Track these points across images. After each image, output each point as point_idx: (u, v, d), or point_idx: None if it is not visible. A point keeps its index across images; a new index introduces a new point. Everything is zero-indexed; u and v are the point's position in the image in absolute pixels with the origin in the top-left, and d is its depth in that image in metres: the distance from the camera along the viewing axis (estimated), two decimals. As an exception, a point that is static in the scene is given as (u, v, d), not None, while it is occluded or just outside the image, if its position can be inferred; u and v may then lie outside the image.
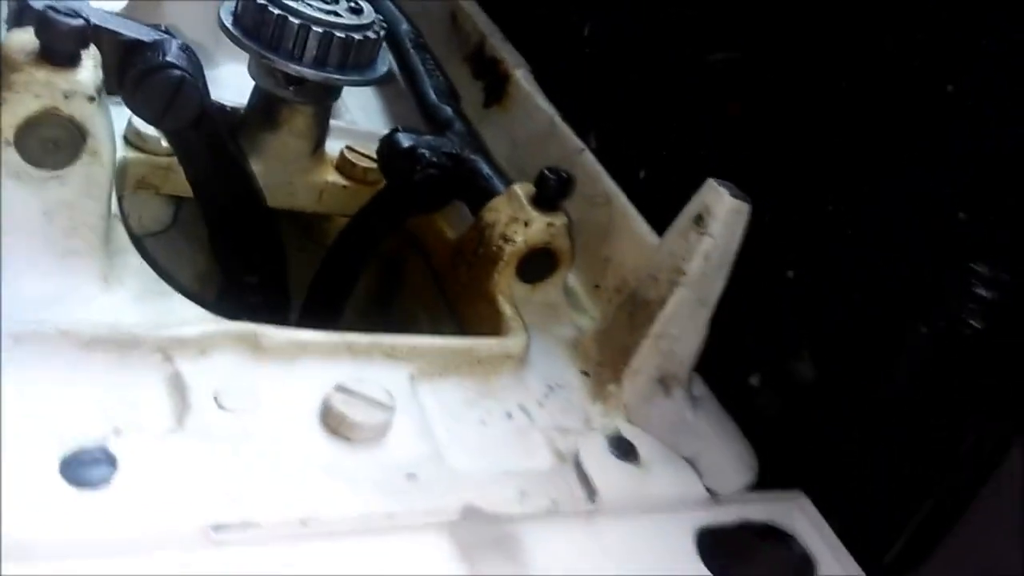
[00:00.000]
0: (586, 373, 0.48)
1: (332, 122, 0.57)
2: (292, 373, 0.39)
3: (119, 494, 0.31)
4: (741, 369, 0.50)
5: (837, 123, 0.47)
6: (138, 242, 0.43)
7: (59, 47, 0.33)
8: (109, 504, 0.30)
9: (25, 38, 0.34)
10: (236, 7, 0.48)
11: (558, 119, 0.60)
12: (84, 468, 0.31)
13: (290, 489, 0.34)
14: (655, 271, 0.45)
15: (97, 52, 0.36)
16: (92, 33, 0.37)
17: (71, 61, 0.34)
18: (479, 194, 0.52)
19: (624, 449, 0.43)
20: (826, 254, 0.47)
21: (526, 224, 0.48)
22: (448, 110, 0.59)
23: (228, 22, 0.47)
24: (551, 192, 0.48)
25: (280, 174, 0.51)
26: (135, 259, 0.40)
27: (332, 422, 0.37)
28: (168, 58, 0.39)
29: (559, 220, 0.49)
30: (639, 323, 0.46)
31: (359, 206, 0.54)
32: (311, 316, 0.54)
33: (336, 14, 0.48)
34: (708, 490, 0.43)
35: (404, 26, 0.67)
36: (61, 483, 0.30)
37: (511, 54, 0.66)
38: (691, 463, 0.44)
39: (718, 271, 0.44)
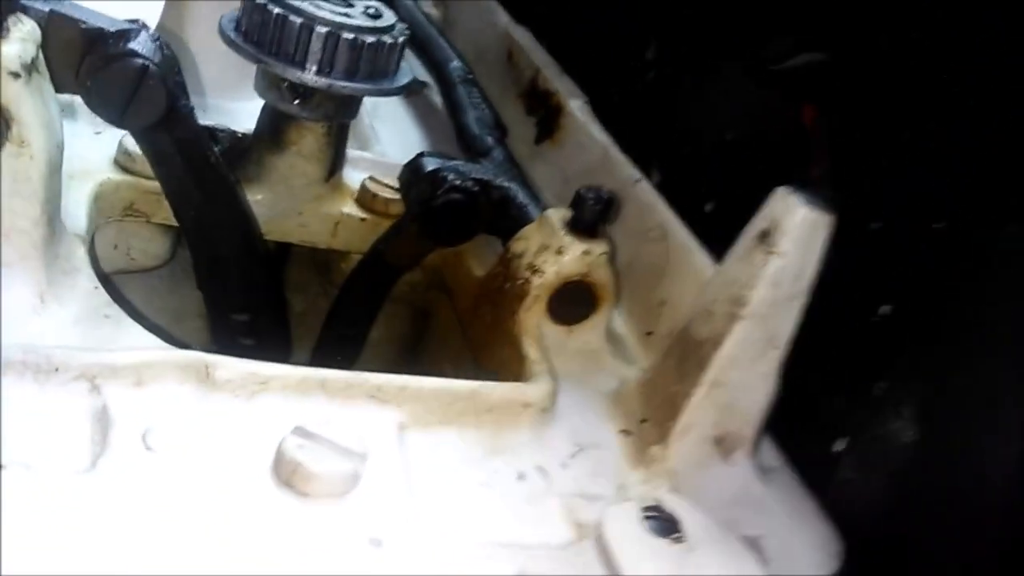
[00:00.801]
0: (627, 432, 0.39)
1: (359, 153, 0.52)
2: (248, 413, 0.32)
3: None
4: (824, 432, 0.40)
5: (937, 125, 0.38)
6: (105, 275, 0.37)
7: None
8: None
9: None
10: (240, 12, 0.43)
11: (613, 149, 0.53)
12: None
13: (211, 552, 0.27)
14: (710, 303, 0.37)
15: (34, 29, 0.31)
16: (49, 19, 0.33)
17: None
18: (511, 225, 0.45)
19: (663, 523, 0.34)
20: (933, 281, 0.37)
21: (559, 252, 0.41)
22: (489, 140, 0.53)
23: (229, 28, 0.43)
24: (589, 215, 0.41)
25: (288, 201, 0.46)
26: (87, 281, 0.35)
27: (284, 472, 0.30)
28: (131, 46, 0.34)
29: (599, 248, 0.41)
30: (690, 369, 0.37)
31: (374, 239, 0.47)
32: (322, 361, 0.47)
33: (347, 16, 0.42)
34: (774, 582, 0.34)
35: (455, 63, 0.61)
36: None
37: (566, 85, 0.60)
38: (752, 545, 0.35)
39: (790, 300, 0.35)
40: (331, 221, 0.47)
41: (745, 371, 0.36)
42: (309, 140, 0.45)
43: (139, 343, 0.33)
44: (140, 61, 0.34)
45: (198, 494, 0.28)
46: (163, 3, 0.51)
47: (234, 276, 0.42)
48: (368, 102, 0.50)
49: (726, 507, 0.36)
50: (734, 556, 0.33)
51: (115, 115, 0.35)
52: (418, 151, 0.59)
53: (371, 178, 0.49)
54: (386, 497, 0.31)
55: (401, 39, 0.43)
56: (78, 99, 0.35)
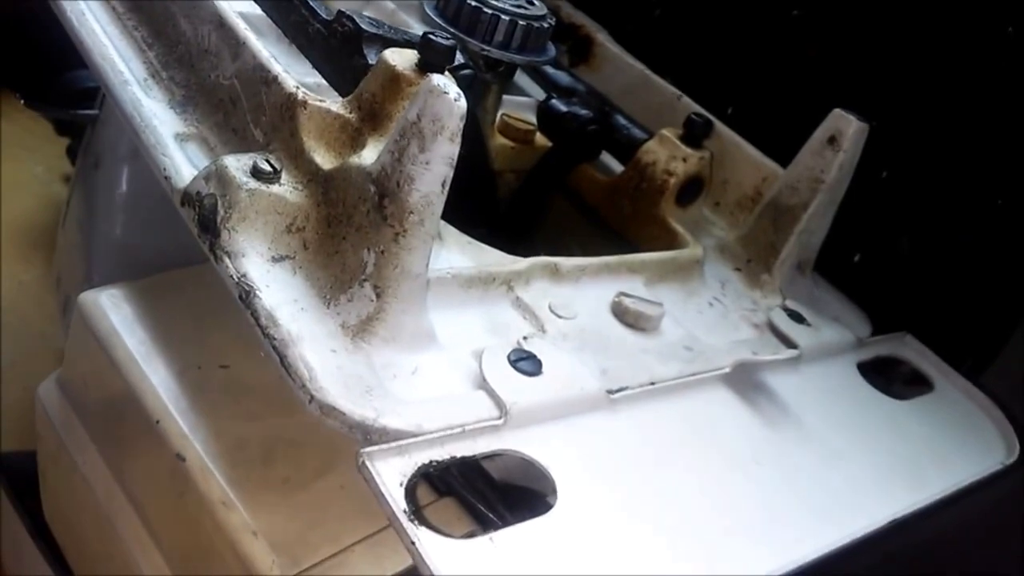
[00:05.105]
0: (738, 269, 0.63)
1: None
2: (580, 289, 0.52)
3: (552, 375, 0.44)
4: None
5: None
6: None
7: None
8: (545, 383, 0.44)
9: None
10: (438, 2, 0.59)
11: (649, 72, 0.74)
12: (525, 362, 0.43)
13: (631, 364, 0.48)
14: (795, 184, 0.60)
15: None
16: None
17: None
18: (624, 143, 0.65)
19: (797, 317, 0.58)
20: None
21: (684, 160, 0.62)
22: (564, 76, 0.72)
23: (433, 12, 0.58)
24: (699, 132, 0.62)
25: (472, 141, 0.63)
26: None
27: (628, 318, 0.51)
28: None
29: (706, 154, 0.63)
30: (783, 224, 0.61)
31: (522, 162, 0.66)
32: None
33: (520, 6, 0.60)
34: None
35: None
36: (517, 374, 0.43)
37: (587, 20, 0.79)
38: (836, 320, 0.61)
39: (847, 178, 0.60)
40: (494, 151, 0.66)
41: (819, 222, 0.61)
42: (490, 98, 0.63)
43: (505, 258, 0.51)
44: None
45: (594, 334, 0.49)
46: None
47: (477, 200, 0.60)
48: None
49: (809, 303, 0.61)
50: (834, 328, 0.59)
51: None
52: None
53: (506, 115, 0.67)
54: (674, 326, 0.53)
55: (553, 22, 0.61)
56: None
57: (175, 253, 0.52)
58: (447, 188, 0.40)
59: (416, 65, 0.45)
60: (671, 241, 0.62)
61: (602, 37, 0.77)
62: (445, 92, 0.38)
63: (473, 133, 0.58)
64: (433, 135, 0.38)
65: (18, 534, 0.61)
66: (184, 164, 0.47)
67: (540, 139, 0.67)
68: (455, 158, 0.39)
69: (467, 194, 0.60)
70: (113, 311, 0.49)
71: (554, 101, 0.65)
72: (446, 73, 0.46)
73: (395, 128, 0.41)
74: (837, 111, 0.59)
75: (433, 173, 0.39)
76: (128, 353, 0.47)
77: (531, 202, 0.66)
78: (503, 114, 0.67)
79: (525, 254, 0.52)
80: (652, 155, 0.63)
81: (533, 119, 0.68)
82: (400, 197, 0.40)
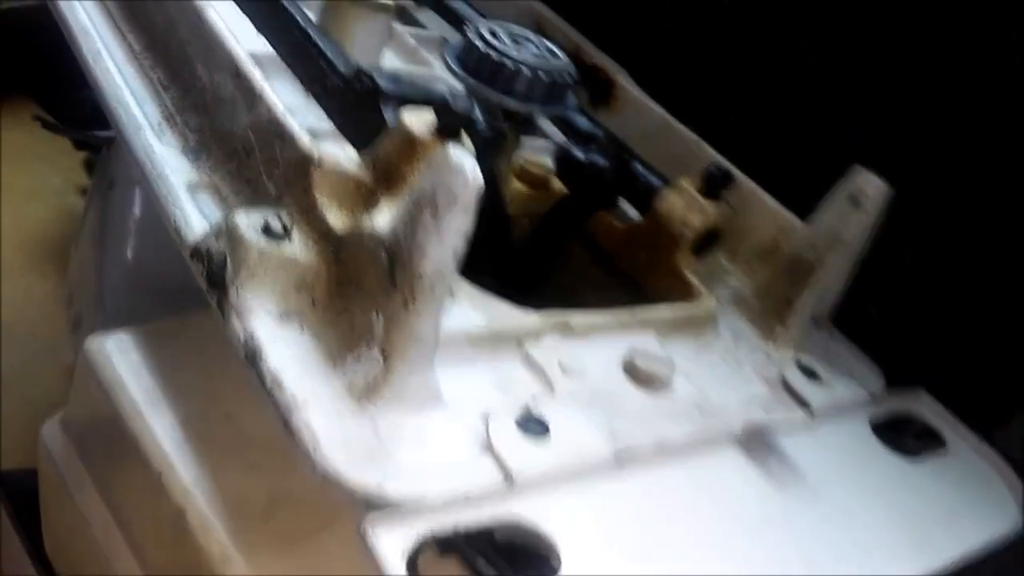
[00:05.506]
0: (752, 321, 0.62)
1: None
2: (591, 345, 0.52)
3: (559, 438, 0.44)
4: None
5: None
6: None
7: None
8: (553, 447, 0.43)
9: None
10: (461, 50, 0.59)
11: (669, 117, 0.73)
12: (532, 425, 0.43)
13: (641, 425, 0.48)
14: (814, 240, 0.60)
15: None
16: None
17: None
18: (641, 191, 0.65)
19: (810, 373, 0.58)
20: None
21: (701, 212, 0.62)
22: (583, 120, 0.72)
23: (454, 64, 0.59)
24: (717, 183, 0.62)
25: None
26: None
27: (639, 377, 0.51)
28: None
29: (724, 206, 0.63)
30: (799, 279, 0.60)
31: (537, 208, 0.66)
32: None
33: (542, 58, 0.60)
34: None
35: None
36: (523, 439, 0.43)
37: (608, 61, 0.79)
38: (849, 376, 0.60)
39: (866, 237, 0.59)
40: (508, 196, 0.66)
41: (835, 279, 0.60)
42: (508, 143, 0.63)
43: (517, 312, 0.51)
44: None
45: (605, 395, 0.49)
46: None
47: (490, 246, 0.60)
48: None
49: (820, 355, 0.61)
50: (847, 384, 0.58)
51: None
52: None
53: (522, 158, 0.67)
54: (685, 383, 0.52)
55: (572, 75, 0.61)
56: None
57: (187, 278, 0.53)
58: (460, 259, 0.40)
59: (433, 128, 0.45)
60: (686, 292, 0.61)
61: (623, 80, 0.77)
62: (460, 167, 0.38)
63: (488, 179, 0.58)
64: (447, 208, 0.39)
65: (18, 554, 0.61)
66: (195, 216, 0.48)
67: (556, 184, 0.67)
68: (469, 231, 0.39)
69: (481, 240, 0.60)
70: (119, 358, 0.50)
71: (573, 149, 0.65)
72: (463, 134, 0.46)
73: (409, 196, 0.41)
74: (859, 169, 0.58)
75: (445, 245, 0.39)
76: (133, 403, 0.47)
77: (546, 248, 0.66)
78: (519, 157, 0.67)
79: (539, 299, 0.53)
80: (669, 205, 0.63)
81: (550, 162, 0.68)
82: (411, 267, 0.40)
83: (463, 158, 0.39)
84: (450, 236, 0.39)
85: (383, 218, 0.43)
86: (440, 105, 0.44)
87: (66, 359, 0.96)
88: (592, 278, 0.69)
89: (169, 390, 0.49)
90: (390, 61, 0.74)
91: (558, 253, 0.67)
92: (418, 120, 0.45)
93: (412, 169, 0.45)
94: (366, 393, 0.41)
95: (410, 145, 0.45)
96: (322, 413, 0.40)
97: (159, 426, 0.47)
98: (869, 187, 0.58)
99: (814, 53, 0.67)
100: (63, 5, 0.62)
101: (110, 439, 0.50)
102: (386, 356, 0.41)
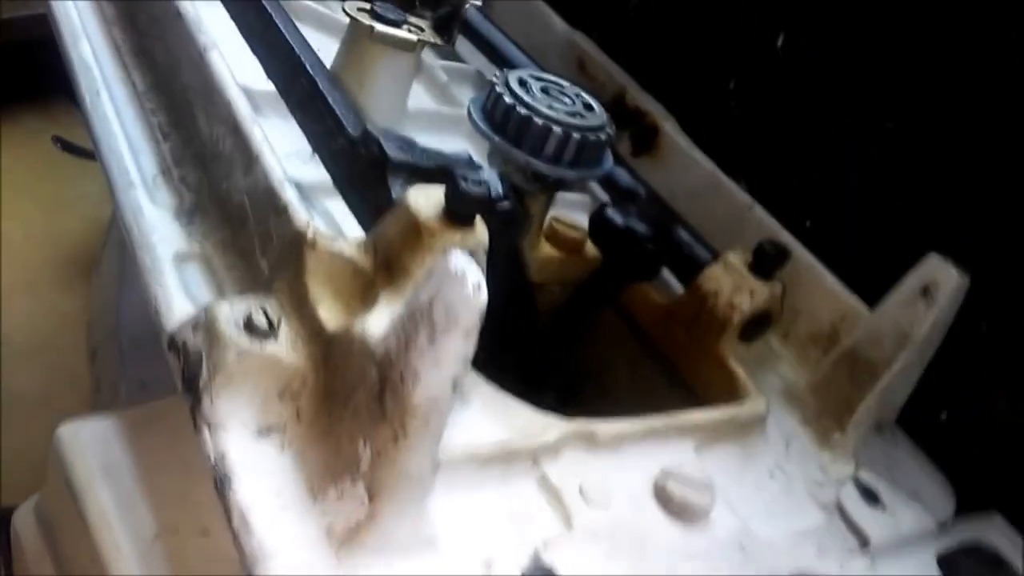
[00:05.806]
0: (806, 423, 0.55)
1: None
2: (620, 458, 0.45)
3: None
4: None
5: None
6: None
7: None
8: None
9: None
10: (486, 103, 0.52)
11: (720, 173, 0.66)
12: (542, 583, 0.36)
13: (671, 570, 0.41)
14: (879, 334, 0.52)
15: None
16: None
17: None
18: (685, 262, 0.58)
19: (871, 495, 0.50)
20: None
21: (751, 293, 0.54)
22: (624, 174, 0.64)
23: (479, 118, 0.51)
24: (771, 262, 0.54)
25: (516, 252, 0.56)
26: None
27: (672, 508, 0.43)
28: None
29: (777, 288, 0.55)
30: (862, 380, 0.53)
31: (569, 274, 0.59)
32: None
33: (575, 115, 0.52)
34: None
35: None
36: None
37: (655, 106, 0.71)
38: (915, 497, 0.52)
39: (939, 335, 0.51)
40: (537, 262, 0.58)
41: (903, 381, 0.52)
42: (536, 208, 0.55)
43: (536, 420, 0.44)
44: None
45: (630, 532, 0.42)
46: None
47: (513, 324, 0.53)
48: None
49: (885, 470, 0.53)
50: (914, 509, 0.50)
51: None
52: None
53: (555, 219, 0.60)
54: (725, 512, 0.45)
55: (611, 133, 0.53)
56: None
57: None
58: (459, 389, 0.33)
59: (442, 213, 0.38)
60: (729, 385, 0.54)
61: (669, 127, 0.69)
62: (463, 279, 0.32)
63: (510, 255, 0.51)
64: (445, 329, 0.32)
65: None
66: (178, 295, 0.42)
67: (591, 249, 0.60)
68: (469, 358, 0.32)
69: (501, 317, 0.53)
70: (94, 451, 0.44)
71: (610, 211, 0.57)
72: (477, 219, 0.39)
73: (405, 307, 0.34)
74: (934, 257, 0.51)
75: (442, 374, 0.32)
76: (102, 511, 0.42)
77: (577, 320, 0.59)
78: (553, 218, 0.60)
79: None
80: (715, 283, 0.55)
81: (583, 222, 0.61)
82: (403, 395, 0.33)
83: (466, 271, 0.32)
84: (447, 363, 0.32)
85: (377, 322, 0.36)
86: (450, 191, 0.38)
87: (88, 386, 0.91)
88: (627, 351, 0.62)
89: (145, 495, 0.43)
90: (418, 98, 0.68)
91: (590, 324, 0.60)
92: (426, 201, 0.38)
93: (415, 260, 0.39)
94: (347, 540, 0.34)
95: (415, 231, 0.39)
96: (292, 567, 0.33)
97: (126, 541, 0.41)
98: (945, 279, 0.50)
99: (890, 121, 0.59)
100: (67, 36, 0.56)
101: (77, 542, 0.44)
102: (372, 496, 0.34)
